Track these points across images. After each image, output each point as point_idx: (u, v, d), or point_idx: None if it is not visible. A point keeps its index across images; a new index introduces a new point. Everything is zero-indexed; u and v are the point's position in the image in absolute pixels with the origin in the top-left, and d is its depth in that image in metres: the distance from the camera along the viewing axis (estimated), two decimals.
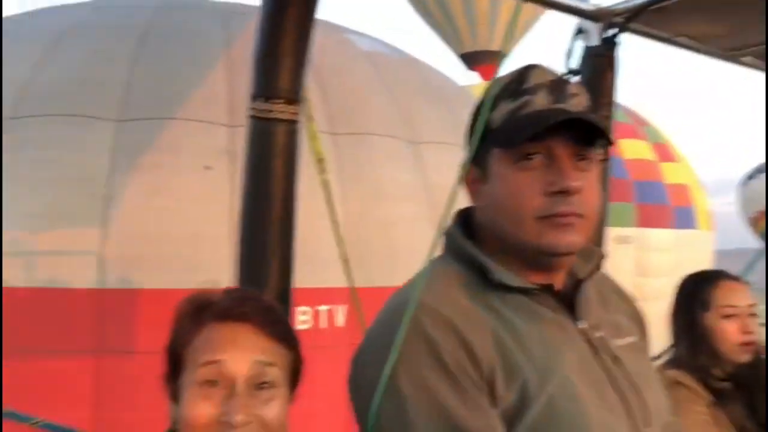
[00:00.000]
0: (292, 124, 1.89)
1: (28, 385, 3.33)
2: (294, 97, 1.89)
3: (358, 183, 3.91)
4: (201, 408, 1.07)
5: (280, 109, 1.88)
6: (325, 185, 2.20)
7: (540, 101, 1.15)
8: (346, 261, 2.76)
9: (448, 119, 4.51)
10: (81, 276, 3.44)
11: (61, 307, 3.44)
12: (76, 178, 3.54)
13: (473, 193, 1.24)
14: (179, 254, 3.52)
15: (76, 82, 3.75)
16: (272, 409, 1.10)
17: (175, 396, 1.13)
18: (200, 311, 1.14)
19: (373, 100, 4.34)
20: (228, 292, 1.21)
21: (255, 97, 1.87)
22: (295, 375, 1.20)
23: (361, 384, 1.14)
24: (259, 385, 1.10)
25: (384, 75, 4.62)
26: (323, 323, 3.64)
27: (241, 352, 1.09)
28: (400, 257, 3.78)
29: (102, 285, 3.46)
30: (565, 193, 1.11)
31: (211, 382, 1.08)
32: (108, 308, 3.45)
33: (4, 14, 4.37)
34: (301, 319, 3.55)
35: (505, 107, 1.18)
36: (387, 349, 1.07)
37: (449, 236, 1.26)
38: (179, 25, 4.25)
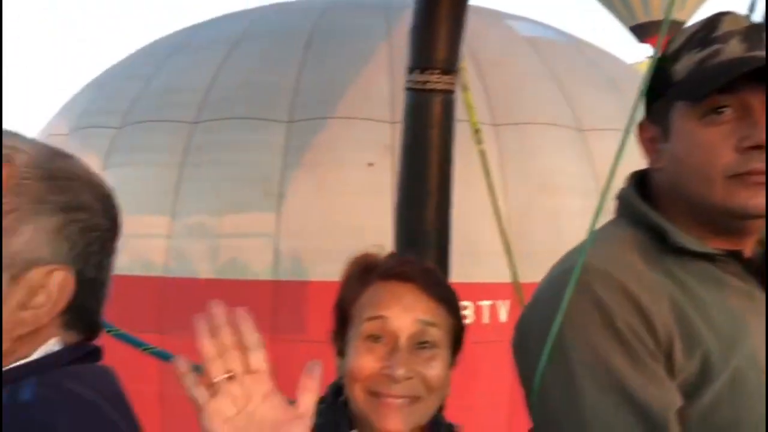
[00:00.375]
0: (448, 95, 1.90)
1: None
2: (450, 68, 1.89)
3: (521, 175, 3.83)
4: (365, 360, 1.11)
5: (435, 80, 1.89)
6: (482, 156, 2.19)
7: (732, 49, 1.04)
8: (510, 254, 2.71)
9: (617, 103, 4.28)
10: (258, 267, 3.68)
11: (241, 296, 3.70)
12: (253, 178, 3.78)
13: (651, 152, 1.15)
14: (346, 247, 3.65)
15: (251, 86, 3.99)
16: (434, 368, 1.12)
17: (341, 351, 1.18)
18: (366, 272, 1.19)
19: (536, 88, 4.22)
20: (391, 255, 1.27)
21: (411, 69, 1.90)
22: (456, 339, 1.20)
23: (527, 348, 1.10)
24: (421, 343, 1.13)
25: (547, 60, 4.47)
26: (485, 318, 3.61)
27: (405, 310, 1.13)
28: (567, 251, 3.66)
29: (276, 276, 3.68)
30: (760, 148, 1.00)
31: (374, 337, 1.12)
32: (281, 298, 3.67)
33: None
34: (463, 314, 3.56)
35: (691, 58, 1.07)
36: (554, 313, 1.02)
37: (623, 199, 1.17)
38: (343, 25, 4.38)
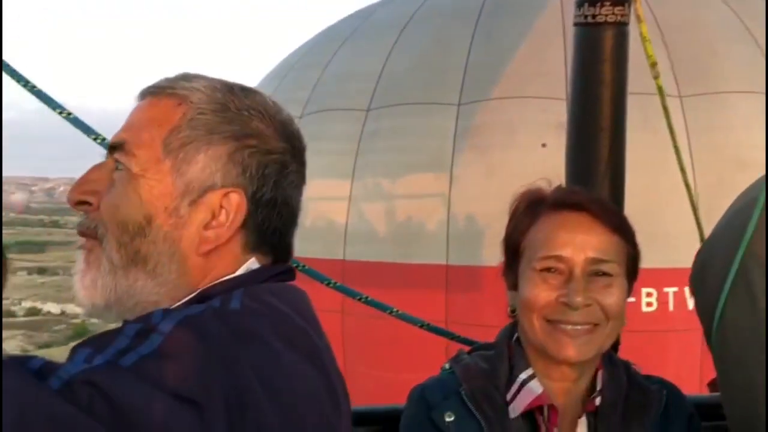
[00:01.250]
0: (620, 27, 1.79)
1: (389, 350, 3.74)
2: None
3: (713, 150, 3.52)
4: (541, 290, 1.10)
5: (606, 12, 1.78)
6: (660, 91, 2.04)
7: None
8: (702, 235, 2.53)
9: None
10: (431, 253, 3.73)
11: (415, 280, 3.77)
12: (424, 163, 3.81)
13: None
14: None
15: (421, 70, 4.01)
16: (612, 294, 1.10)
17: (513, 284, 1.18)
18: (535, 204, 1.17)
19: (730, 52, 3.82)
20: (559, 187, 1.24)
21: (580, 2, 1.82)
22: (632, 267, 1.17)
23: (706, 280, 1.05)
24: (596, 272, 1.11)
25: (744, 18, 4.02)
26: (671, 306, 3.39)
27: (579, 248, 1.11)
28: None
29: (448, 261, 3.71)
30: None
31: (549, 269, 1.11)
32: (454, 283, 3.69)
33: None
34: (647, 301, 3.36)
35: None
36: (736, 243, 0.97)
37: None
38: (512, 0, 4.24)
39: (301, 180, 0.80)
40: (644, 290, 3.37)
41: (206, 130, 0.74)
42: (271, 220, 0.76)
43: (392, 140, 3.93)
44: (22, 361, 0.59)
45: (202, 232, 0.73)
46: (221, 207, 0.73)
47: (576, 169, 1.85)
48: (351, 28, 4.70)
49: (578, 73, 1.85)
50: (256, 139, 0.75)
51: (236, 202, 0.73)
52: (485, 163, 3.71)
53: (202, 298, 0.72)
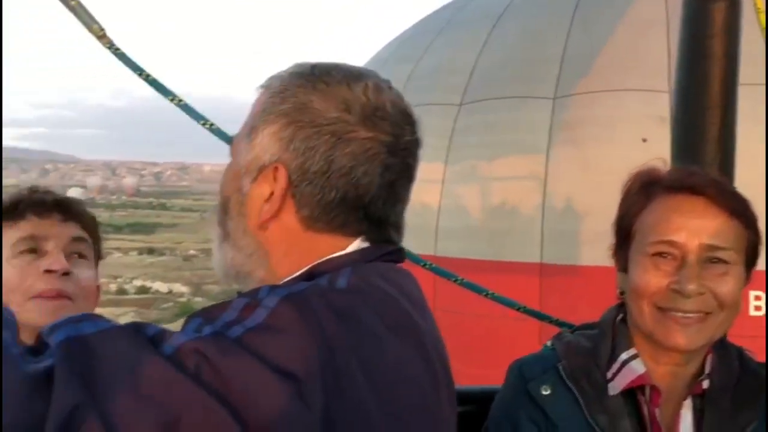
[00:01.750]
0: None
1: (479, 344, 3.71)
2: None
3: None
4: (652, 276, 1.06)
5: None
6: None
7: None
8: None
9: None
10: (524, 250, 3.66)
11: (509, 278, 3.72)
12: (518, 158, 3.74)
13: None
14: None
15: (514, 62, 3.92)
16: (726, 283, 1.05)
17: (623, 266, 1.14)
18: (649, 185, 1.12)
19: None
20: (675, 168, 1.20)
21: None
22: (752, 254, 1.11)
23: None
24: (712, 259, 1.06)
25: None
26: None
27: (694, 233, 1.06)
28: None
29: (542, 259, 3.63)
30: None
31: (661, 254, 1.06)
32: (548, 281, 3.61)
33: None
34: (755, 304, 3.17)
35: None
36: None
37: None
38: None
39: (375, 150, 0.78)
40: (752, 293, 3.18)
41: (267, 113, 0.79)
42: (327, 191, 0.76)
43: (485, 135, 3.87)
44: (139, 328, 0.63)
45: (262, 206, 0.77)
46: (274, 180, 0.77)
47: (682, 151, 1.76)
48: (444, 20, 4.65)
49: (686, 48, 1.75)
50: (307, 114, 0.77)
51: (281, 175, 0.76)
52: (582, 159, 3.60)
53: (311, 275, 0.75)
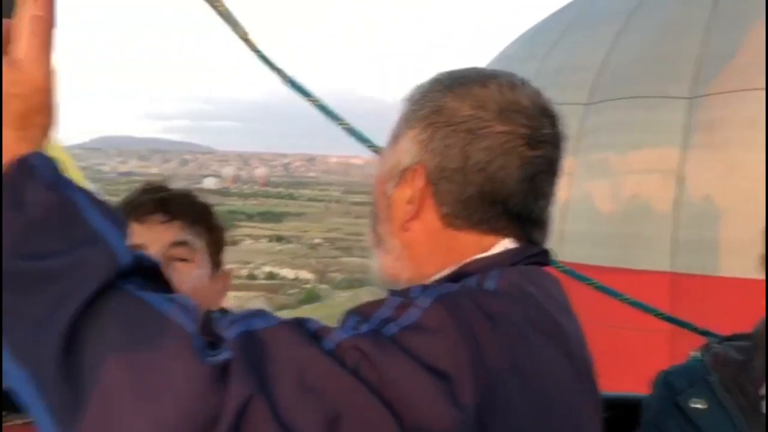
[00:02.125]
0: None
1: (604, 355, 3.58)
2: None
3: None
4: None
5: None
6: None
7: None
8: None
9: None
10: (654, 259, 3.49)
11: (638, 287, 3.56)
12: (650, 161, 3.56)
13: None
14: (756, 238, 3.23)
15: (647, 60, 3.73)
16: None
17: None
18: None
19: None
20: None
21: None
22: None
23: None
24: None
25: None
26: None
27: None
28: None
29: (675, 268, 3.44)
30: None
31: None
32: (680, 291, 3.43)
33: None
34: None
35: None
36: None
37: None
38: None
39: (512, 143, 0.78)
40: None
41: (407, 120, 0.82)
42: (465, 187, 0.77)
43: (614, 137, 3.72)
44: (302, 323, 0.65)
45: (405, 208, 0.80)
46: (413, 182, 0.79)
47: None
48: (569, 19, 4.50)
49: None
50: (443, 114, 0.79)
51: (420, 175, 0.79)
52: (721, 164, 3.37)
53: (458, 275, 0.76)
